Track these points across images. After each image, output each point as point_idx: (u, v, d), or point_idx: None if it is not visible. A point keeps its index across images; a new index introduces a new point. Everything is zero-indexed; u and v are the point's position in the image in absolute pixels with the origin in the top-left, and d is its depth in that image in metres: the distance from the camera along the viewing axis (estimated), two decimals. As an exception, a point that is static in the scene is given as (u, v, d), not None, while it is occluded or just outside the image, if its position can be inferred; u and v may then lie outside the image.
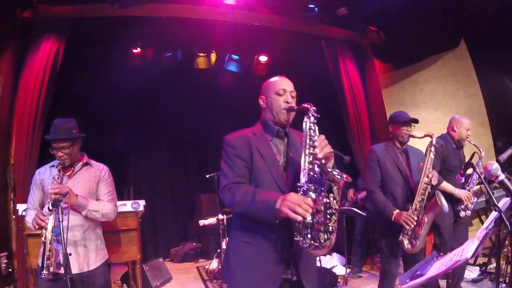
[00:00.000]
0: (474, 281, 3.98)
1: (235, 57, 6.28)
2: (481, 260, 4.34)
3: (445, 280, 3.40)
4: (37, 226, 2.27)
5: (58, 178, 2.35)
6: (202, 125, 7.10)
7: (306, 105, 1.77)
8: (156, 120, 6.79)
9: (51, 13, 4.47)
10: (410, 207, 2.73)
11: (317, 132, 1.71)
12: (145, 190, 6.51)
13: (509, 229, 1.86)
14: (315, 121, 1.74)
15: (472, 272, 4.13)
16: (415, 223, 2.67)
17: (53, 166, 2.51)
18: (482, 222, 4.74)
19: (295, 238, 1.59)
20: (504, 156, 3.63)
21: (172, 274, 4.97)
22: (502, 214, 1.85)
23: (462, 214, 3.25)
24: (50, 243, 2.19)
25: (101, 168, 2.61)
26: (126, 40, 5.50)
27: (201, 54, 6.15)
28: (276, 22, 5.37)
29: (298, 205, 1.51)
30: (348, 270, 4.71)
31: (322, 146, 1.63)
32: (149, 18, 5.01)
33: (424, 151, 3.06)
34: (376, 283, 3.19)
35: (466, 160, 3.50)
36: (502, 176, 1.92)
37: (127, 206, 3.72)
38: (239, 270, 1.77)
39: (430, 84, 5.75)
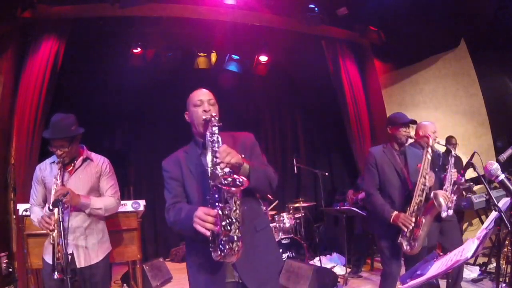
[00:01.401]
0: (474, 281, 3.98)
1: (235, 57, 6.28)
2: (481, 260, 4.34)
3: (445, 280, 3.40)
4: (43, 228, 2.28)
5: (59, 177, 2.35)
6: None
7: (209, 116, 1.74)
8: (156, 120, 6.77)
9: (51, 13, 4.48)
10: (408, 209, 2.73)
11: (220, 143, 1.66)
12: (145, 190, 6.49)
13: (509, 229, 1.86)
14: (216, 132, 1.69)
15: (472, 272, 4.13)
16: (413, 224, 2.66)
17: (53, 162, 2.50)
18: (482, 222, 4.74)
19: (210, 249, 1.61)
20: (504, 156, 3.61)
21: (172, 274, 4.96)
22: (502, 214, 1.85)
23: (444, 214, 3.16)
24: (58, 244, 2.19)
25: (102, 162, 2.59)
26: (126, 40, 5.50)
27: (201, 54, 6.15)
28: (276, 22, 5.37)
29: (203, 220, 1.55)
30: (348, 270, 4.71)
31: (223, 157, 1.57)
32: (149, 18, 5.01)
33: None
34: (376, 283, 3.19)
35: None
36: (502, 176, 1.91)
37: (127, 206, 3.70)
38: (193, 281, 1.84)
39: (430, 84, 5.75)
